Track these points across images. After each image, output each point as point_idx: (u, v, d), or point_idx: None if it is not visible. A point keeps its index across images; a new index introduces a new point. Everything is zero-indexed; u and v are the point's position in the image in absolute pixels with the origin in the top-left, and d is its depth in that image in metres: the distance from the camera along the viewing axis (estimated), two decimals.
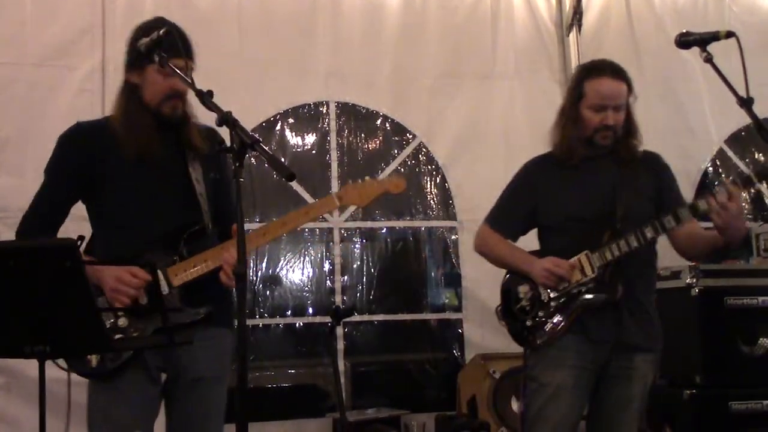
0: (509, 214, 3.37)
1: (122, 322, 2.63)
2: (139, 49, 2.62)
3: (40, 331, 2.14)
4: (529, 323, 3.19)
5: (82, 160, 2.79)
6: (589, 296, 3.11)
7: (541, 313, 3.17)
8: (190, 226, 2.74)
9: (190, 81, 2.53)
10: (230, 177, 2.34)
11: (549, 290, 3.16)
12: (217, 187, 2.88)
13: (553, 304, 3.15)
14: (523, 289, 3.23)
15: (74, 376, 2.74)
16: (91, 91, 4.90)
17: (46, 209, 2.82)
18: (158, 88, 2.75)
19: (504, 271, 3.38)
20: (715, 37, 2.69)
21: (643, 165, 3.24)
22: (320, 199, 2.93)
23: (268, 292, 5.35)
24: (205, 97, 2.42)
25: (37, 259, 2.07)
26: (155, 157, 2.75)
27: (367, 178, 2.93)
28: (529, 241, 3.42)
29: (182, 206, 2.78)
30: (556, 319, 3.14)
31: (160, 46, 2.58)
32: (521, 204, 3.34)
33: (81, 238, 2.14)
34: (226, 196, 2.87)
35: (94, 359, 2.66)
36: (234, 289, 2.88)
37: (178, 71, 2.54)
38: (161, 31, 2.57)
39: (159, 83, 2.74)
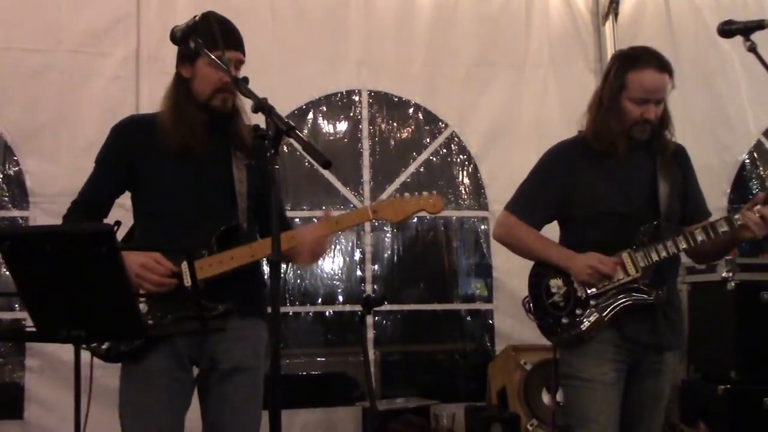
0: (537, 202, 3.17)
1: (142, 307, 2.63)
2: (176, 35, 2.60)
3: (76, 315, 2.15)
4: (565, 321, 3.06)
5: (130, 151, 2.81)
6: (630, 299, 3.01)
7: (578, 311, 3.04)
8: (224, 223, 2.73)
9: (225, 68, 2.51)
10: (277, 188, 2.29)
11: (587, 287, 3.05)
12: (261, 188, 2.86)
13: (592, 302, 3.03)
14: (556, 284, 3.10)
15: (97, 359, 2.71)
16: (125, 78, 4.93)
17: (93, 197, 2.84)
18: (208, 81, 2.74)
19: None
20: (760, 25, 2.64)
21: (674, 158, 3.15)
22: (354, 210, 2.88)
23: (298, 280, 5.36)
24: (241, 84, 2.42)
25: (74, 244, 2.07)
26: (200, 152, 2.76)
27: (406, 194, 2.87)
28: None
29: (220, 203, 2.77)
30: (593, 318, 3.02)
31: (196, 32, 2.56)
32: (551, 192, 3.15)
33: (117, 223, 2.14)
34: (272, 204, 2.83)
35: None
36: (266, 280, 2.89)
37: (213, 57, 2.52)
38: (197, 17, 2.55)
39: (210, 76, 2.73)
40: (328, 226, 2.77)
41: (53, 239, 2.10)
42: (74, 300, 2.12)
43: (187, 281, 2.61)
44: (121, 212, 2.84)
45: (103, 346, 2.65)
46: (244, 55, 2.80)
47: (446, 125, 5.50)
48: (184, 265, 2.64)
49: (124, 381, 2.75)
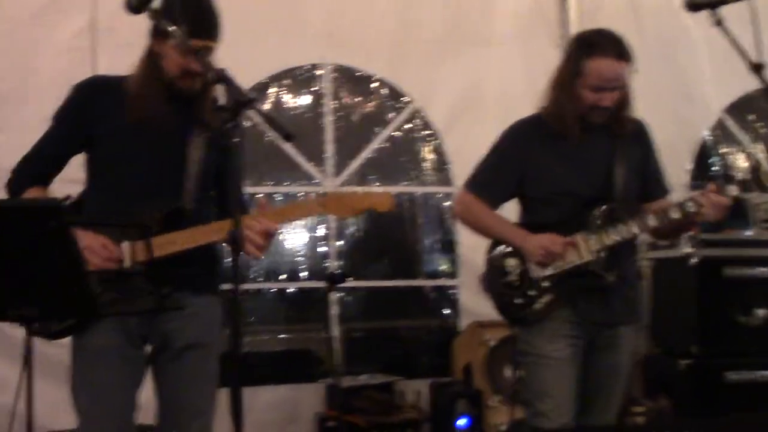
0: (495, 181, 3.21)
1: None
2: (132, 3, 2.51)
3: (26, 293, 2.08)
4: (518, 301, 3.10)
5: (89, 111, 2.74)
6: (583, 282, 3.04)
7: (531, 292, 3.08)
8: (169, 205, 2.67)
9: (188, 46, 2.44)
10: (236, 163, 2.22)
11: (540, 268, 3.07)
12: (222, 166, 2.79)
13: (544, 284, 3.07)
14: (511, 263, 3.13)
15: None
16: (81, 50, 4.79)
17: (46, 153, 2.78)
18: (173, 64, 2.67)
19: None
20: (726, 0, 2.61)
21: (633, 136, 3.18)
22: (302, 201, 2.81)
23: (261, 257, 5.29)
24: (199, 57, 2.37)
25: (21, 219, 2.00)
26: (157, 127, 2.69)
27: (356, 189, 2.81)
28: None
29: (170, 182, 2.71)
30: (546, 299, 3.06)
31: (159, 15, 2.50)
32: (509, 172, 3.18)
33: (67, 197, 2.07)
34: (230, 179, 2.74)
35: None
36: (222, 257, 2.83)
37: (178, 40, 2.46)
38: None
39: (174, 59, 2.66)
40: (273, 218, 2.67)
41: None
42: (24, 277, 2.05)
43: (127, 263, 2.58)
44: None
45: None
46: (213, 41, 2.66)
47: (410, 100, 5.45)
48: (125, 245, 2.59)
49: (74, 358, 2.70)
